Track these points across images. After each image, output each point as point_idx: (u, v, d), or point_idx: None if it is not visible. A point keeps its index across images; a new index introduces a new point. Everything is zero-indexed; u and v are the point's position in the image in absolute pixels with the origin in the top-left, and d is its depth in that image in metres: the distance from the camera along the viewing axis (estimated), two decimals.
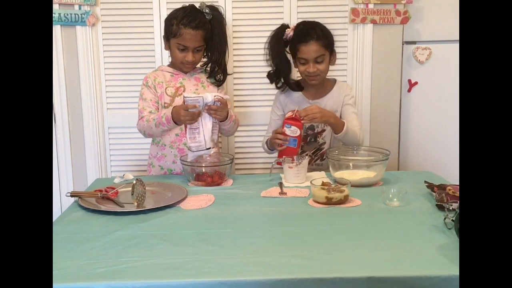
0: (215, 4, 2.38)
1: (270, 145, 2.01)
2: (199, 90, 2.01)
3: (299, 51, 1.96)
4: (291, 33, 1.98)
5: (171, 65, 2.05)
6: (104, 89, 2.52)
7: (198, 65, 2.07)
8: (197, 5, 1.99)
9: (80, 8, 2.41)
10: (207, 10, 1.97)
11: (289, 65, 2.03)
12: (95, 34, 2.46)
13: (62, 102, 2.49)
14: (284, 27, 2.02)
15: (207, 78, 2.05)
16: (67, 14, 2.40)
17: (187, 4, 2.00)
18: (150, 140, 2.08)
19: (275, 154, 1.98)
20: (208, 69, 2.05)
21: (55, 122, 2.51)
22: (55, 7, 2.39)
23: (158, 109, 1.97)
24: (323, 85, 2.07)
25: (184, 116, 1.76)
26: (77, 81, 2.49)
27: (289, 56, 2.04)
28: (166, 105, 1.97)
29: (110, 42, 2.48)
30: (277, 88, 2.09)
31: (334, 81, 2.11)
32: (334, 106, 2.06)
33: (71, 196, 1.63)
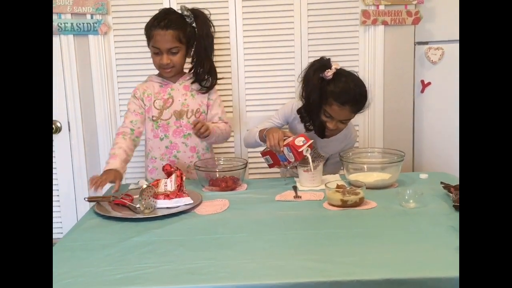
0: (224, 13, 2.40)
1: (264, 137, 1.88)
2: (188, 100, 1.99)
3: (330, 107, 1.83)
4: (331, 77, 1.83)
5: (160, 73, 2.03)
6: (117, 96, 2.54)
7: (187, 71, 2.05)
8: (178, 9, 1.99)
9: (92, 17, 2.44)
10: (186, 13, 1.94)
11: (320, 106, 1.87)
12: (107, 42, 2.49)
13: (76, 111, 2.52)
14: (324, 63, 1.86)
15: (191, 83, 2.00)
16: (80, 24, 2.43)
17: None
18: None
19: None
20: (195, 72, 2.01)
21: (69, 130, 2.54)
22: (68, 16, 2.42)
23: (145, 118, 1.98)
24: None
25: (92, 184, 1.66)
26: (91, 90, 2.51)
27: None
28: (154, 118, 1.97)
29: (122, 50, 2.50)
30: (306, 128, 1.95)
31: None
32: (335, 148, 2.01)
33: (89, 201, 1.67)
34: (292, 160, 1.78)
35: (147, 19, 2.45)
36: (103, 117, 2.53)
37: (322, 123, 1.90)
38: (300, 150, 1.75)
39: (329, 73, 1.83)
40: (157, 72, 2.05)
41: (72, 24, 2.42)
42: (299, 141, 1.77)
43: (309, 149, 1.77)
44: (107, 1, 2.43)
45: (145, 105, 1.97)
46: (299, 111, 1.96)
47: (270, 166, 1.90)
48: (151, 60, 2.56)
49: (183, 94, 1.99)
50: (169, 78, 2.00)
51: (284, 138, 1.80)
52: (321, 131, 1.93)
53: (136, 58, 2.49)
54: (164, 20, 1.88)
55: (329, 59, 1.88)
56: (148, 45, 1.97)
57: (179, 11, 1.96)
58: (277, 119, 2.03)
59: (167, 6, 2.44)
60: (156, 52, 1.91)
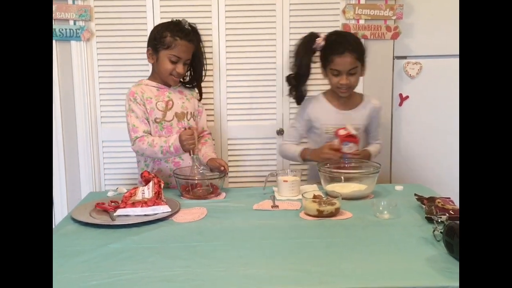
0: (207, 22, 2.44)
1: (314, 158, 1.99)
2: (186, 103, 2.04)
3: (333, 63, 1.96)
4: (322, 43, 1.98)
5: (153, 78, 2.03)
6: (99, 103, 2.53)
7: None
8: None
9: (75, 24, 2.44)
10: (188, 26, 1.99)
11: (308, 76, 2.06)
12: (90, 49, 2.48)
13: (56, 117, 2.51)
14: (313, 36, 2.02)
15: (184, 89, 2.10)
16: (62, 29, 2.43)
17: (173, 19, 2.02)
18: None
19: (266, 167, 1.98)
20: (186, 81, 2.12)
21: None
22: None
23: (150, 124, 1.97)
24: (351, 97, 2.09)
25: (187, 140, 1.86)
26: (72, 95, 2.51)
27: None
28: (158, 120, 1.97)
29: (105, 57, 2.50)
30: (292, 95, 2.11)
31: (361, 96, 2.15)
32: (360, 121, 2.09)
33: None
34: (354, 149, 1.93)
35: (130, 27, 2.48)
36: (83, 124, 2.52)
37: (302, 92, 2.09)
38: (349, 133, 1.91)
39: (319, 40, 1.98)
40: (145, 76, 2.09)
41: (54, 29, 2.42)
42: (343, 131, 1.93)
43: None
44: (91, 8, 2.43)
45: (146, 108, 1.97)
46: (287, 78, 2.10)
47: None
48: (133, 68, 2.57)
49: (180, 98, 2.04)
50: (166, 83, 2.02)
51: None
52: (300, 99, 2.10)
53: (119, 65, 2.50)
54: (189, 34, 1.96)
55: (317, 33, 2.04)
56: (156, 49, 1.96)
57: (186, 25, 1.99)
58: (304, 117, 2.12)
59: (151, 15, 2.47)
60: (173, 61, 1.94)
